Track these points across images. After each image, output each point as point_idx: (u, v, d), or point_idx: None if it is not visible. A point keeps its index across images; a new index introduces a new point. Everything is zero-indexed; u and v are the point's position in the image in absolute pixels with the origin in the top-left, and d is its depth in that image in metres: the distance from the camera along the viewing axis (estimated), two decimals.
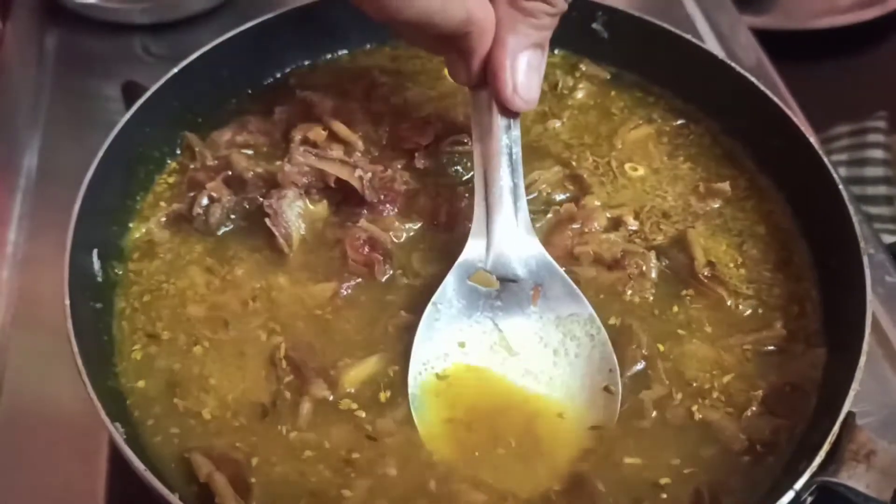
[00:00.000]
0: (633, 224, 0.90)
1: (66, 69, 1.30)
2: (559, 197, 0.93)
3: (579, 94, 1.05)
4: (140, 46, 1.30)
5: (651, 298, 0.85)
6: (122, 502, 0.86)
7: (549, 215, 0.90)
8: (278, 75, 1.07)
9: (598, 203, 0.92)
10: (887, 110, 1.53)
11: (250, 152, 0.97)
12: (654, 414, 0.77)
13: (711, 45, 1.35)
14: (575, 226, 0.89)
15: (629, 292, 0.85)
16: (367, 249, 0.86)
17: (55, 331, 0.75)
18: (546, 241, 0.87)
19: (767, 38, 1.39)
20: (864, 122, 1.52)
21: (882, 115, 1.52)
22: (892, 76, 1.79)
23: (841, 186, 0.85)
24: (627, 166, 0.97)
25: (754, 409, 0.77)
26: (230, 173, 0.93)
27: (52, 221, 0.82)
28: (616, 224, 0.90)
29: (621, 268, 0.86)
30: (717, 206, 0.93)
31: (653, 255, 0.87)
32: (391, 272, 0.86)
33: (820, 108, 0.95)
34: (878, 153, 1.45)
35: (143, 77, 1.07)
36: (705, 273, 0.85)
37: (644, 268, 0.86)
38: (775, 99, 0.93)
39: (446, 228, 0.89)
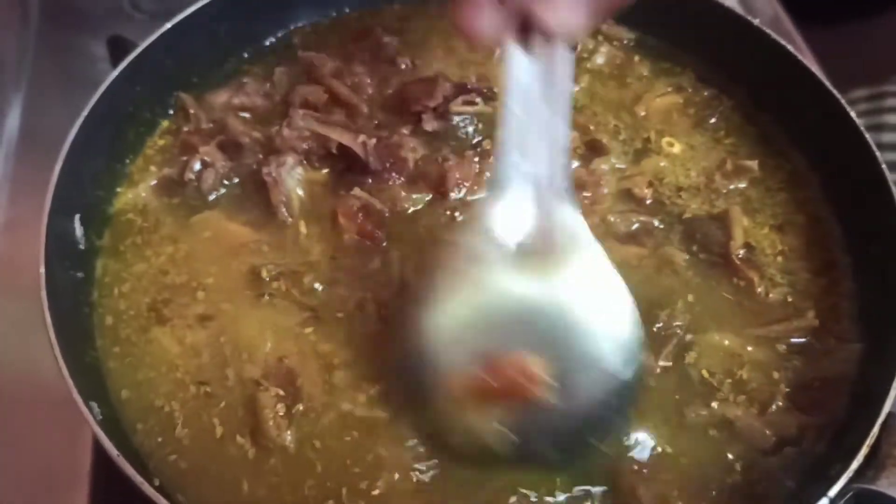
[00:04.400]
0: (646, 195, 0.84)
1: (52, 26, 1.22)
2: (574, 164, 0.87)
3: (599, 59, 0.98)
4: (129, 2, 1.23)
5: (670, 279, 0.79)
6: (108, 480, 0.82)
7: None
8: (280, 34, 1.00)
9: (605, 167, 0.86)
10: None
11: (247, 115, 0.91)
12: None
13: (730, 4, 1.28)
14: (586, 194, 0.84)
15: (645, 269, 0.79)
16: (360, 218, 0.80)
17: (37, 298, 0.70)
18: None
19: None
20: (882, 86, 1.44)
21: None
22: None
23: (884, 167, 0.79)
24: (651, 134, 0.90)
25: (779, 404, 0.72)
26: (225, 137, 0.87)
27: (34, 185, 0.76)
28: (628, 193, 0.85)
29: (638, 243, 0.81)
30: (742, 185, 0.87)
31: (677, 230, 0.82)
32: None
33: (837, 72, 0.89)
34: None
35: (132, 34, 1.00)
36: (739, 254, 0.79)
37: (665, 244, 0.81)
38: (815, 70, 0.86)
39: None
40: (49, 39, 1.21)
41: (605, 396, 0.66)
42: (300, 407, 0.71)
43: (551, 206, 0.66)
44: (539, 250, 0.66)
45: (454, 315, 0.66)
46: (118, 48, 1.00)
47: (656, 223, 0.83)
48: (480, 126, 0.88)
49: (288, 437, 0.69)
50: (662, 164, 0.88)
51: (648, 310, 0.74)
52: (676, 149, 0.90)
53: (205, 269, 0.79)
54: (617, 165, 0.87)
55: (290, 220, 0.82)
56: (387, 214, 0.81)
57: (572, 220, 0.67)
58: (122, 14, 1.22)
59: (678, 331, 0.74)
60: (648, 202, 0.84)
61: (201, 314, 0.76)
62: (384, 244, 0.80)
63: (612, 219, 0.82)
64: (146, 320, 0.77)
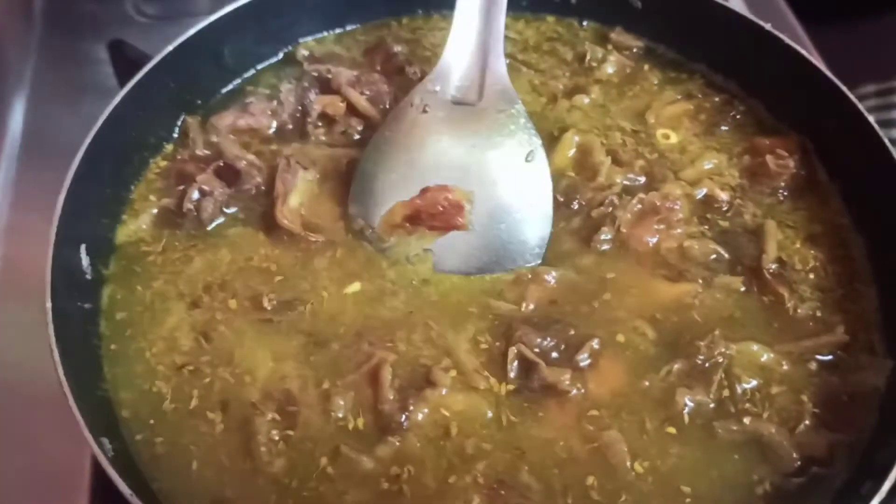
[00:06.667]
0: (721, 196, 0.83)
1: (55, 30, 1.21)
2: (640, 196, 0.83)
3: (609, 68, 0.96)
4: (132, 7, 1.21)
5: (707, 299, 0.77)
6: (107, 481, 0.80)
7: (623, 217, 0.81)
8: (282, 52, 0.99)
9: (679, 192, 0.83)
10: None
11: (248, 139, 0.89)
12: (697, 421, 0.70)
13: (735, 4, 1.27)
14: (659, 226, 0.81)
15: (697, 302, 0.77)
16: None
17: (39, 302, 0.69)
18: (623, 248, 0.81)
19: None
20: (892, 81, 1.43)
21: None
22: None
23: None
24: (659, 135, 0.90)
25: (808, 422, 0.70)
26: (222, 163, 0.85)
27: (38, 189, 0.74)
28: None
29: (686, 279, 0.78)
30: (768, 191, 0.85)
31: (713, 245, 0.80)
32: None
33: (846, 67, 0.87)
34: None
35: (136, 38, 0.98)
36: (771, 269, 0.77)
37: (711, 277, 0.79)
38: (830, 75, 0.84)
39: None
40: (52, 44, 1.19)
41: (510, 236, 0.79)
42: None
43: (486, 62, 0.81)
44: (472, 101, 0.81)
45: (399, 155, 0.81)
46: (119, 52, 0.98)
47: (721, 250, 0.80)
48: None
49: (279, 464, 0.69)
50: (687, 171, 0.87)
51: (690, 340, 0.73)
52: (688, 152, 0.89)
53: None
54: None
55: (301, 232, 0.81)
56: None
57: (502, 76, 0.82)
58: (126, 18, 1.20)
59: (719, 359, 0.72)
60: (725, 208, 0.83)
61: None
62: None
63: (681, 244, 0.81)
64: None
